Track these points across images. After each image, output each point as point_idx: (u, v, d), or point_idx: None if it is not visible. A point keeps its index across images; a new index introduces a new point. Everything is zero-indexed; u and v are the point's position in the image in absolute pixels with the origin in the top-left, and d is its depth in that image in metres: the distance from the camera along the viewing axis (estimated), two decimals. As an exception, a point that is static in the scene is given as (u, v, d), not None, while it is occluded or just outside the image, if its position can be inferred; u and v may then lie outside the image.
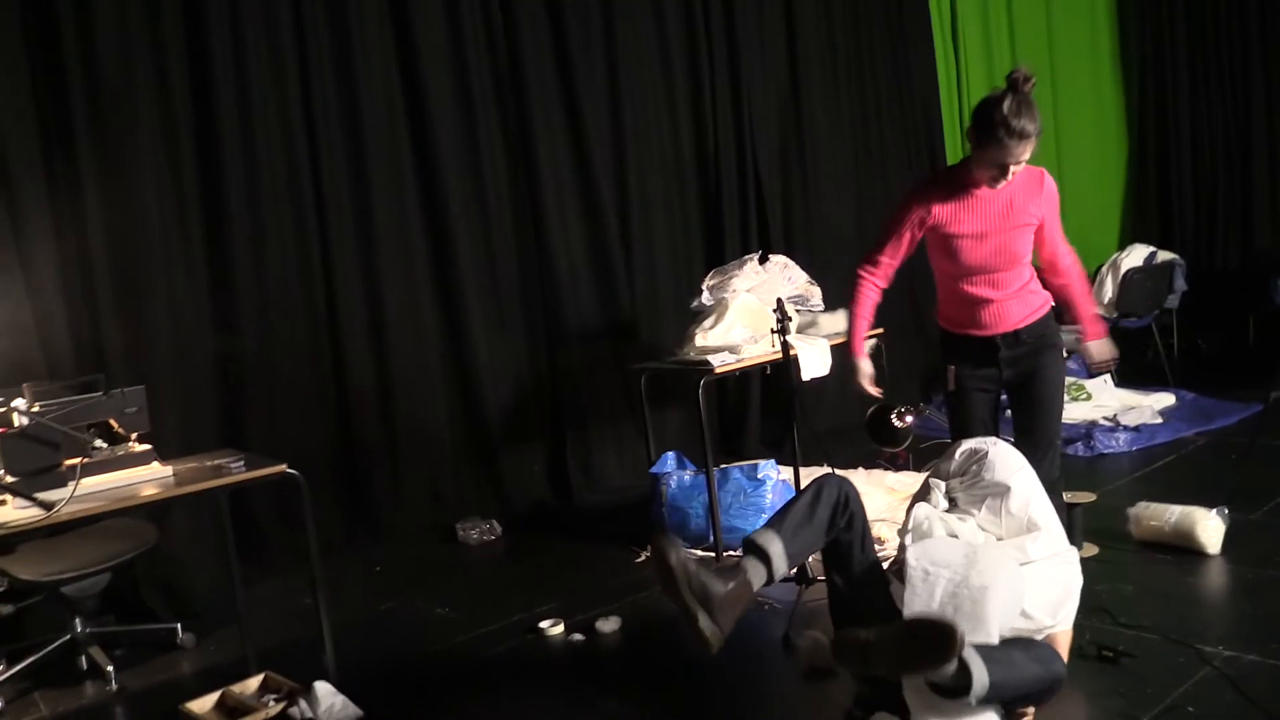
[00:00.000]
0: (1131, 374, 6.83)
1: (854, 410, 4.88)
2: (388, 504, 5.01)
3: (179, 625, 4.04)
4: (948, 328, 3.40)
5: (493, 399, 5.28)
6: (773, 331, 3.51)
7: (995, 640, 2.60)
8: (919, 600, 2.63)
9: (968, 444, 3.06)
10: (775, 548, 2.67)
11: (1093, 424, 5.76)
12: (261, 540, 4.69)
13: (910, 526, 3.04)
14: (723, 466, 4.50)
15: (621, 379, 5.15)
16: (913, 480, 4.71)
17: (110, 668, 3.72)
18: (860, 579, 2.86)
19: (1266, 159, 8.03)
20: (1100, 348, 3.40)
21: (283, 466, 3.30)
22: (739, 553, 2.72)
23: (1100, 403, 6.14)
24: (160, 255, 4.40)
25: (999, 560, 2.69)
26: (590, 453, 5.55)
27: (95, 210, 4.24)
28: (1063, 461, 3.47)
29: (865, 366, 3.47)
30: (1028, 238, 3.22)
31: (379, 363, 5.00)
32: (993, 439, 3.08)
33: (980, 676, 2.44)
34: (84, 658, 3.81)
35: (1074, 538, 3.42)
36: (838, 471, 3.03)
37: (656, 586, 2.55)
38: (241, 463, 3.29)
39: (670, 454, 4.73)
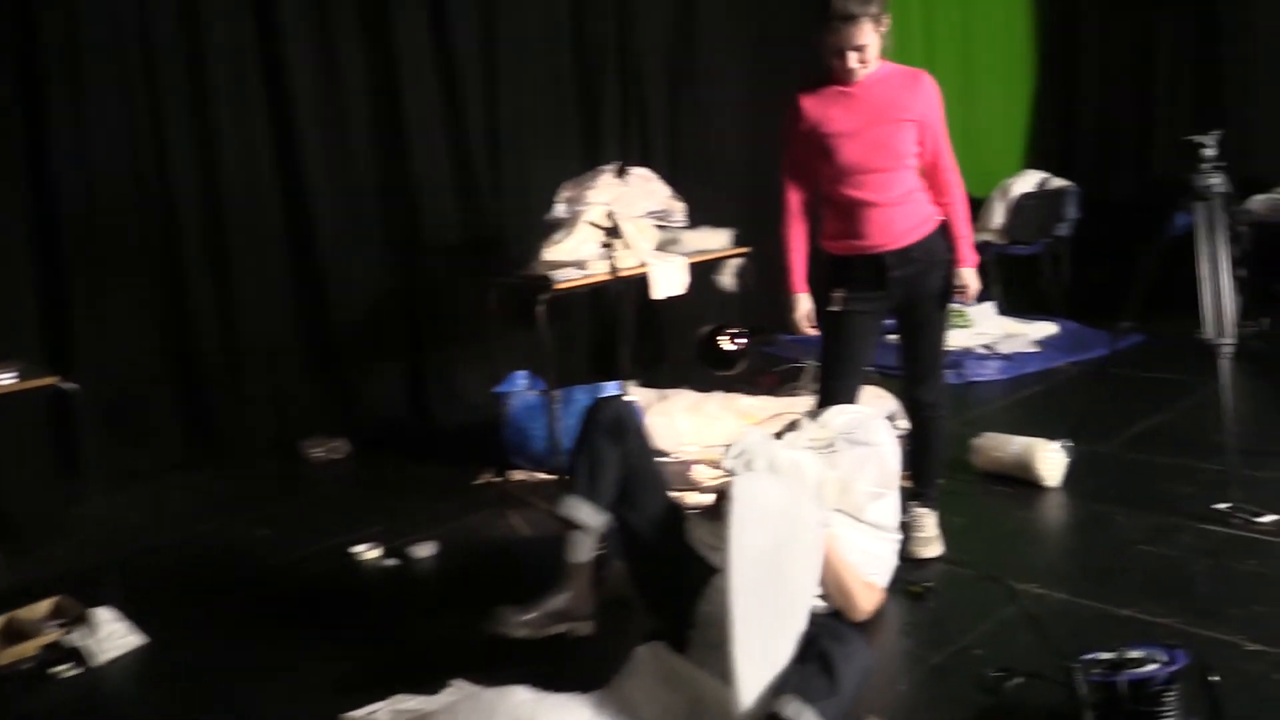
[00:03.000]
0: (1018, 302, 6.75)
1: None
2: (230, 420, 4.79)
3: (-20, 545, 3.83)
4: (833, 250, 3.16)
5: (345, 312, 5.03)
6: (602, 245, 3.31)
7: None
8: (740, 552, 2.42)
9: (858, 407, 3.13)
10: (583, 512, 2.75)
11: (968, 351, 5.66)
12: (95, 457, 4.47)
13: (734, 452, 2.88)
14: (568, 387, 4.33)
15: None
16: (765, 404, 4.58)
17: (-104, 587, 3.53)
18: (651, 514, 2.75)
19: (1167, 92, 7.93)
20: (970, 276, 3.16)
21: (54, 379, 3.08)
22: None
23: (981, 330, 6.04)
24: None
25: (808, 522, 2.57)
26: (451, 370, 5.35)
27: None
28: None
29: (802, 303, 3.19)
30: (906, 136, 2.99)
31: (220, 273, 4.72)
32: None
33: None
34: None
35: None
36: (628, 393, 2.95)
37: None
38: (15, 374, 3.06)
39: (521, 373, 4.55)
